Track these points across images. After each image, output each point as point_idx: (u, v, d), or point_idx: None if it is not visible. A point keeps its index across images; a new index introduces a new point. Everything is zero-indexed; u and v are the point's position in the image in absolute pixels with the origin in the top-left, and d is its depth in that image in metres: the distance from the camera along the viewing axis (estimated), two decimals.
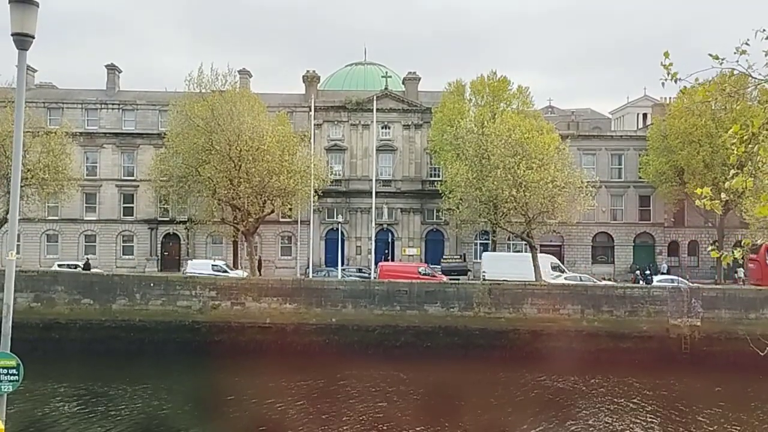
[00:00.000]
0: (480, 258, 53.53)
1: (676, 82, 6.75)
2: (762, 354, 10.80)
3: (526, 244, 46.72)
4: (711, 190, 7.00)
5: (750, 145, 6.40)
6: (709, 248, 8.39)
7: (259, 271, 49.61)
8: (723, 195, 6.41)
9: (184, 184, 46.54)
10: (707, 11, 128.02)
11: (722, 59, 6.59)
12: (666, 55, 6.65)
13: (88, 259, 52.08)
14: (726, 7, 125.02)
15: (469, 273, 49.74)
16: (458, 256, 53.42)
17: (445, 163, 48.88)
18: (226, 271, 45.37)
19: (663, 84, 6.83)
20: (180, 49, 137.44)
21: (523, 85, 51.91)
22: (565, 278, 44.80)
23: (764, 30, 6.53)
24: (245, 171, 42.07)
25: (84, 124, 56.00)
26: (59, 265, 48.11)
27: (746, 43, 6.51)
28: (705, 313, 36.45)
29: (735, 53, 6.59)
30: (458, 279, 44.68)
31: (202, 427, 24.19)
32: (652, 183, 53.54)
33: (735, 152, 6.40)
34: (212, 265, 46.67)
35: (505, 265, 45.20)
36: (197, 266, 46.13)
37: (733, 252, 7.13)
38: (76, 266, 48.10)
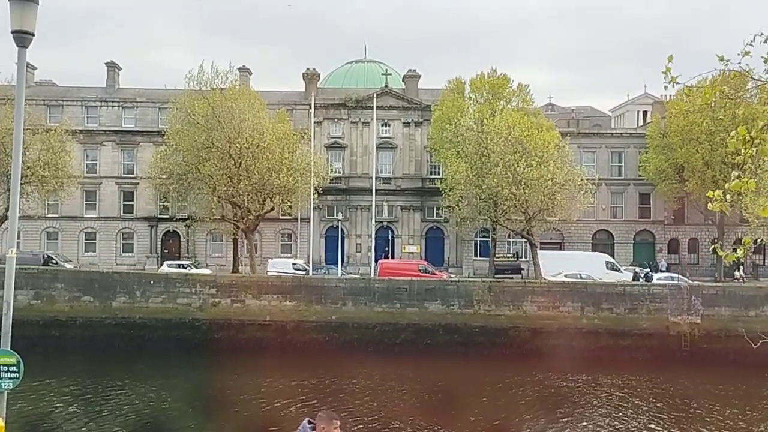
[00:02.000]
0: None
1: (674, 86, 6.81)
2: (755, 347, 10.83)
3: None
4: (715, 190, 7.05)
5: (752, 146, 6.42)
6: (712, 247, 8.47)
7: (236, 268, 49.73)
8: (728, 197, 6.46)
9: (184, 182, 46.55)
10: (710, 13, 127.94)
11: (727, 60, 6.64)
12: (669, 59, 6.68)
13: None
14: (729, 8, 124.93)
15: (522, 271, 49.30)
16: (511, 255, 53.20)
17: (445, 161, 48.85)
18: (306, 270, 46.23)
19: (665, 87, 6.88)
20: (179, 46, 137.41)
21: (523, 83, 51.85)
22: (565, 276, 44.82)
23: (761, 33, 6.57)
24: (245, 168, 42.09)
25: (84, 122, 56.02)
26: (169, 265, 48.14)
27: (750, 44, 6.55)
28: (705, 311, 36.43)
29: (739, 54, 6.64)
30: (511, 278, 44.49)
31: (201, 424, 24.17)
32: (652, 181, 53.54)
33: (743, 153, 6.42)
34: (293, 264, 47.19)
35: (564, 264, 44.95)
36: (278, 265, 46.34)
37: (736, 251, 7.18)
38: (186, 266, 48.17)
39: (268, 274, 43.62)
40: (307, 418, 7.09)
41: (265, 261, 53.86)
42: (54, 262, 45.92)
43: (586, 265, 44.00)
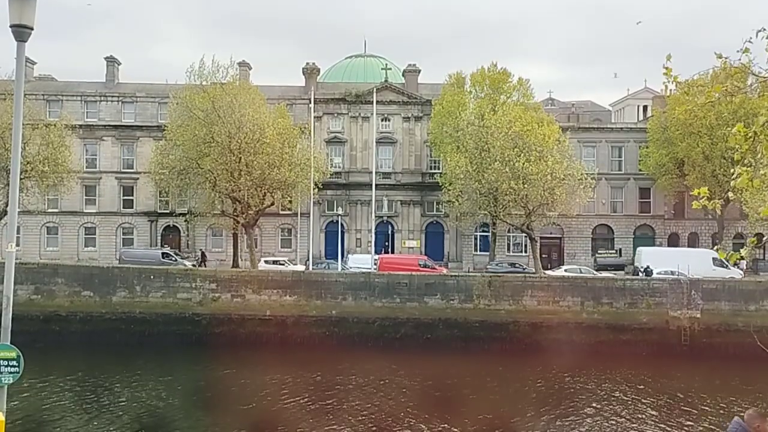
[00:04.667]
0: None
1: (675, 85, 6.81)
2: (759, 344, 10.82)
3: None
4: (709, 188, 7.10)
5: (753, 142, 6.42)
6: (715, 248, 8.51)
7: (204, 264, 49.01)
8: (730, 194, 6.47)
9: (184, 177, 46.52)
10: (709, 11, 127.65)
11: (726, 58, 6.64)
12: (668, 58, 6.67)
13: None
14: (730, 6, 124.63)
15: (625, 268, 48.44)
16: (614, 251, 52.75)
17: (445, 156, 48.83)
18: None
19: (665, 85, 6.88)
20: (178, 42, 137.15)
21: (524, 77, 51.75)
22: (565, 270, 44.76)
23: (764, 29, 6.56)
24: (245, 163, 42.09)
25: (83, 117, 55.94)
26: (266, 261, 47.96)
27: (749, 41, 6.55)
28: (705, 305, 36.47)
29: (738, 51, 6.65)
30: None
31: (201, 418, 24.22)
32: (652, 175, 53.54)
33: (739, 149, 6.42)
34: (375, 260, 46.78)
35: (668, 261, 43.62)
36: (358, 261, 45.98)
37: (739, 252, 7.23)
38: (282, 262, 47.83)
39: (350, 269, 43.11)
40: (736, 417, 7.38)
41: (266, 256, 53.91)
42: (172, 258, 45.93)
43: (691, 261, 43.13)
